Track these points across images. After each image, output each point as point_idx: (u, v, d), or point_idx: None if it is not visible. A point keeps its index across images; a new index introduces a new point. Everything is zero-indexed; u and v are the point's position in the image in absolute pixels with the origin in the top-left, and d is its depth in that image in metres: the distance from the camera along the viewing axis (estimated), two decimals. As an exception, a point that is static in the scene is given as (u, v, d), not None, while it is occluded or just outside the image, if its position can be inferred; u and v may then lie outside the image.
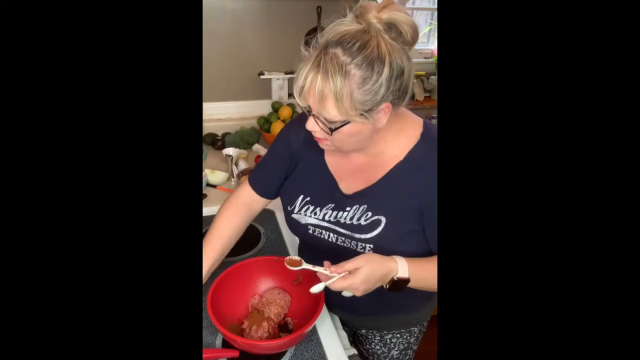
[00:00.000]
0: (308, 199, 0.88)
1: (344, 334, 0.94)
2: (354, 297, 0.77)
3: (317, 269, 0.77)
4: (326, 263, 0.75)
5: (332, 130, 0.71)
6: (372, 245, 0.80)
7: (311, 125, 0.73)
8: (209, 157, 1.76)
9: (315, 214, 0.86)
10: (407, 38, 0.67)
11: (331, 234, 0.85)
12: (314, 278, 0.87)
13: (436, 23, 2.29)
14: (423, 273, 0.76)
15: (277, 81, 1.93)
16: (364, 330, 1.04)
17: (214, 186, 1.52)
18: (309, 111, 0.72)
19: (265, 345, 0.81)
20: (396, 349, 1.04)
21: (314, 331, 0.89)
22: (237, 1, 1.76)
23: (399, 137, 0.79)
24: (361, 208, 0.81)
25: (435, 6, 2.28)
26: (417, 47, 2.38)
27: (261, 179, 0.96)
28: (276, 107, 1.92)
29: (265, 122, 1.89)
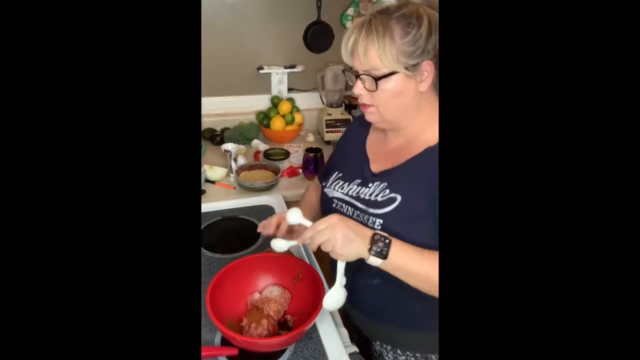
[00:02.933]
0: (341, 174, 0.93)
1: (344, 332, 0.94)
2: (372, 298, 0.84)
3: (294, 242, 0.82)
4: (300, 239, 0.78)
5: (376, 81, 0.75)
6: (381, 221, 0.80)
7: (358, 88, 0.79)
8: (208, 152, 1.76)
9: (342, 188, 0.90)
10: None
11: (349, 208, 0.87)
12: (316, 275, 0.87)
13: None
14: (411, 253, 0.74)
15: (277, 75, 1.92)
16: (377, 343, 0.99)
17: (213, 182, 1.52)
18: (357, 74, 0.78)
19: (264, 343, 0.81)
20: None
21: (314, 329, 0.88)
22: (236, -6, 1.74)
23: (436, 125, 0.80)
24: (382, 185, 0.84)
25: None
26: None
27: (324, 173, 1.01)
28: (275, 102, 1.91)
29: (264, 117, 1.89)
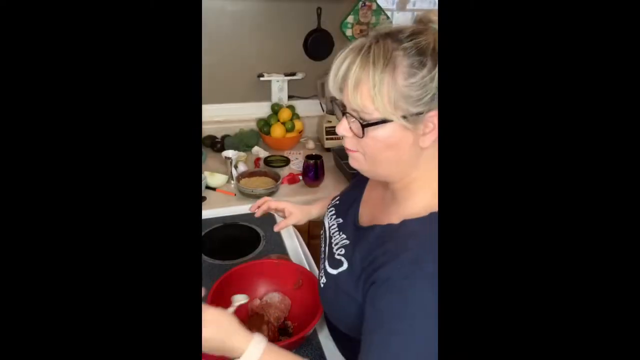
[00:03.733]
0: (338, 203, 0.86)
1: None
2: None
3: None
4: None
5: (363, 127, 0.58)
6: (325, 280, 0.73)
7: (342, 128, 0.62)
8: (209, 159, 1.76)
9: (331, 219, 0.84)
10: None
11: (323, 245, 0.83)
12: (315, 282, 0.87)
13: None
14: None
15: (277, 83, 1.93)
16: None
17: (214, 189, 1.52)
18: (343, 110, 0.62)
19: None
20: None
21: (314, 334, 0.88)
22: (236, 2, 1.76)
23: (430, 189, 0.63)
24: (344, 242, 0.74)
25: (436, 7, 2.28)
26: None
27: None
28: (276, 109, 1.92)
29: (264, 124, 1.89)
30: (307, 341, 0.86)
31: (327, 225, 0.85)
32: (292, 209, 1.03)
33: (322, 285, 0.74)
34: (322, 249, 0.83)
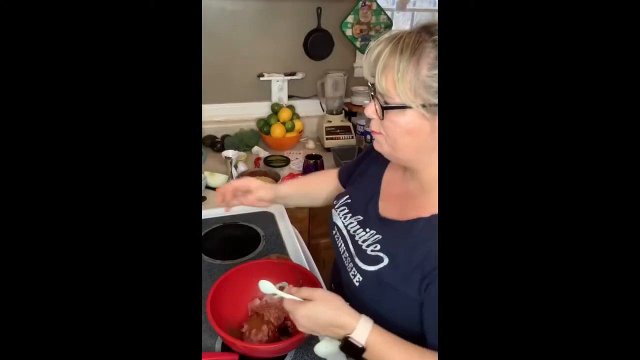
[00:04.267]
0: (349, 201, 0.87)
1: None
2: None
3: (280, 294, 0.73)
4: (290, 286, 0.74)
5: (383, 109, 0.64)
6: (361, 278, 0.73)
7: (370, 110, 0.68)
8: (209, 159, 1.76)
9: (345, 218, 0.85)
10: None
11: (342, 244, 0.83)
12: (315, 282, 0.87)
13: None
14: (389, 352, 0.63)
15: (277, 83, 1.94)
16: None
17: (214, 189, 1.52)
18: (373, 93, 0.67)
19: (265, 349, 0.81)
20: None
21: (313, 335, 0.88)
22: (236, 2, 1.76)
23: None
24: (376, 237, 0.75)
25: (436, 7, 2.29)
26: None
27: (346, 169, 1.01)
28: (276, 109, 1.93)
29: (264, 124, 1.90)
30: (306, 341, 0.86)
31: (341, 225, 0.85)
32: (257, 182, 0.98)
33: (357, 284, 0.74)
34: (341, 249, 0.83)
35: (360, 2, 1.87)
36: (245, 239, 1.20)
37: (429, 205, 0.69)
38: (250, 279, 0.92)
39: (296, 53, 1.91)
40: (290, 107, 1.94)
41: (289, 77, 1.93)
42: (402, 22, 2.21)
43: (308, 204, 1.15)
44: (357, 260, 0.76)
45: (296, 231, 1.28)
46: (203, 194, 1.48)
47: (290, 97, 1.99)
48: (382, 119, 0.65)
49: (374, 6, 1.90)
